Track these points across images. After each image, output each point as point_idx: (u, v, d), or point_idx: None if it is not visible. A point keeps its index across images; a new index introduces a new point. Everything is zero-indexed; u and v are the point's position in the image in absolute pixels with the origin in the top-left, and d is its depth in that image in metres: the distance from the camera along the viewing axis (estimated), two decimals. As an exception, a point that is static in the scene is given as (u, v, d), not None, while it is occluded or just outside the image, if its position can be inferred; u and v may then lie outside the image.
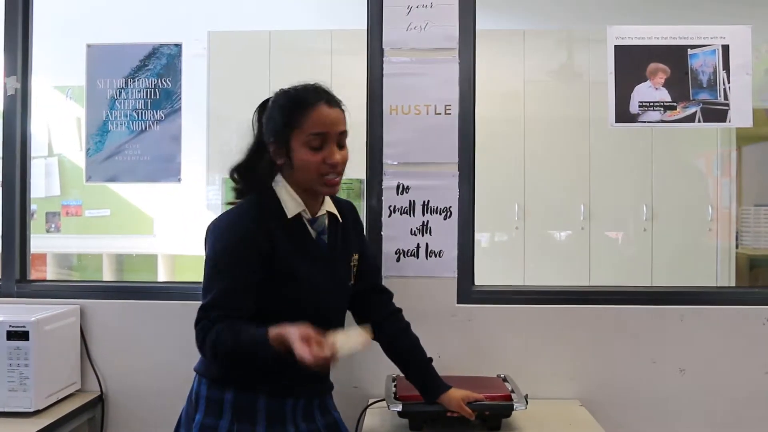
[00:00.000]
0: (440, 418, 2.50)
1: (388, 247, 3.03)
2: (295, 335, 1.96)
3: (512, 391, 2.62)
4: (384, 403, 2.60)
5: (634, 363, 3.04)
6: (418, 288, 3.02)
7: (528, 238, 5.87)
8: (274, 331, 2.03)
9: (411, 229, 3.04)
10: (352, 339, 2.01)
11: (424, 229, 3.03)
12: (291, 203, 2.29)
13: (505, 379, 2.78)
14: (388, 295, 2.61)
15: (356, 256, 2.48)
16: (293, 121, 2.24)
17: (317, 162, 2.24)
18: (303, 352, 1.91)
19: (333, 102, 2.28)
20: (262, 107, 2.37)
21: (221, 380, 2.27)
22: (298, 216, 2.30)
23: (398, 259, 3.03)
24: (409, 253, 3.04)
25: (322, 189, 2.29)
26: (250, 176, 2.34)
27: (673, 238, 5.85)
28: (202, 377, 2.31)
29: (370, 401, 2.82)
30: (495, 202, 5.72)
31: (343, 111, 2.30)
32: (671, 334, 3.04)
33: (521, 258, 5.83)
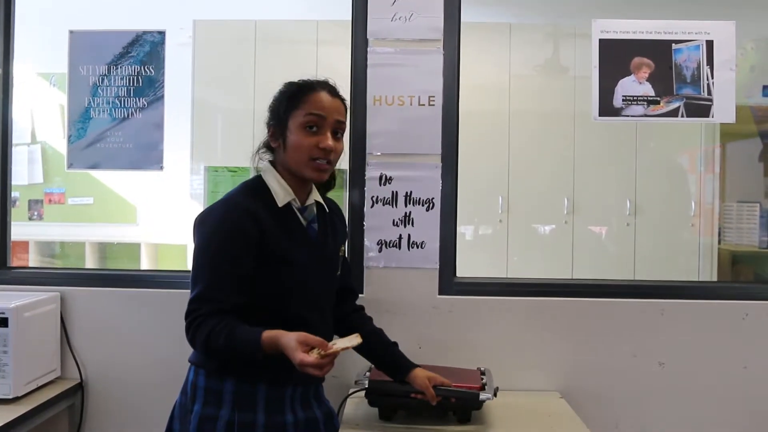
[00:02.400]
0: (408, 406, 2.50)
1: (370, 238, 3.03)
2: (293, 343, 2.01)
3: (484, 384, 2.62)
4: (361, 393, 2.60)
5: (615, 356, 3.04)
6: (400, 279, 3.02)
7: (512, 232, 5.88)
8: (267, 335, 2.06)
9: (393, 220, 3.03)
10: (346, 341, 2.10)
11: (407, 220, 3.03)
12: (281, 192, 2.31)
13: (483, 372, 2.78)
14: (356, 295, 2.67)
15: (343, 248, 2.53)
16: (294, 103, 2.29)
17: (310, 144, 2.27)
18: (303, 359, 1.97)
19: (335, 93, 2.35)
20: None
21: (220, 371, 2.26)
22: (288, 205, 2.32)
23: (380, 250, 3.03)
24: (391, 244, 3.03)
25: (310, 173, 2.30)
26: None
27: (656, 233, 5.87)
28: (200, 368, 2.30)
29: (351, 391, 2.81)
30: (479, 195, 5.72)
31: (344, 104, 2.36)
32: (652, 328, 3.05)
33: (504, 251, 5.84)
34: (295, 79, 2.37)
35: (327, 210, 2.46)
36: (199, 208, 3.24)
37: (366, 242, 3.03)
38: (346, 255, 2.77)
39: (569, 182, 5.86)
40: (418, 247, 3.03)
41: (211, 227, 2.23)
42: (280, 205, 2.29)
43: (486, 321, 3.04)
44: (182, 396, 2.36)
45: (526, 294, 3.08)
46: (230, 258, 2.18)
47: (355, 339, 2.11)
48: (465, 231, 5.77)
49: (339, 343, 2.06)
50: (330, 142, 2.28)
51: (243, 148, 5.25)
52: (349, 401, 2.72)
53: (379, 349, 2.55)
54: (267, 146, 2.39)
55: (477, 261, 5.36)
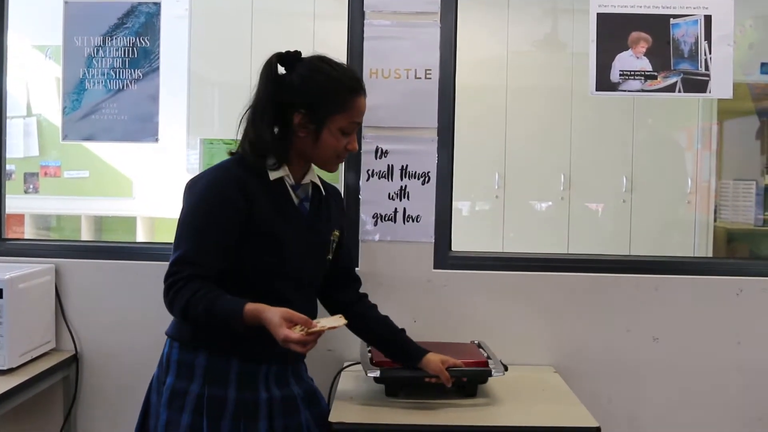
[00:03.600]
0: (416, 384, 2.50)
1: (365, 211, 3.02)
2: (277, 318, 2.00)
3: (488, 358, 2.62)
4: (358, 367, 2.60)
5: (609, 331, 3.05)
6: (395, 253, 3.02)
7: (508, 208, 5.86)
8: (250, 307, 2.05)
9: (389, 194, 3.02)
10: (331, 321, 2.10)
11: (402, 193, 3.02)
12: (281, 171, 2.29)
13: (479, 345, 2.79)
14: (359, 283, 2.63)
15: (337, 233, 2.48)
16: (341, 105, 2.25)
17: (341, 147, 2.28)
18: (287, 334, 1.97)
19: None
20: (289, 65, 2.30)
21: (193, 343, 2.25)
22: (281, 180, 2.29)
23: (375, 224, 3.02)
24: (386, 218, 3.03)
25: (330, 168, 2.36)
26: (259, 134, 2.25)
27: (652, 210, 5.85)
28: (174, 341, 2.29)
29: (345, 364, 2.82)
30: (476, 171, 5.68)
31: None
32: (646, 303, 3.05)
33: (501, 227, 5.83)
34: (333, 62, 2.30)
35: (324, 193, 2.43)
36: (195, 182, 3.23)
37: (361, 216, 3.03)
38: (349, 246, 2.72)
39: (566, 159, 5.84)
40: (413, 220, 3.03)
41: (200, 192, 2.21)
42: (271, 178, 2.27)
43: (481, 295, 3.04)
44: (158, 368, 2.35)
45: (522, 269, 3.08)
46: (216, 224, 2.17)
47: (339, 320, 2.11)
48: (462, 207, 5.75)
49: (323, 322, 2.06)
50: (356, 144, 2.32)
51: (238, 121, 5.23)
52: (344, 374, 2.72)
53: (389, 337, 2.53)
54: (278, 123, 2.29)
55: (473, 236, 5.35)
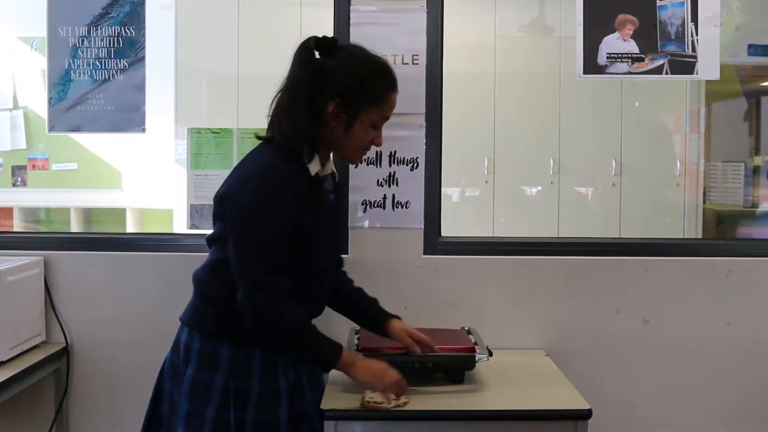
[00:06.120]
0: (401, 369, 2.49)
1: (354, 198, 3.01)
2: (383, 364, 2.25)
3: (476, 343, 2.62)
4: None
5: (599, 313, 3.05)
6: (384, 239, 3.02)
7: (497, 193, 5.87)
8: (349, 358, 2.23)
9: (378, 180, 3.02)
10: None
11: (391, 180, 3.02)
12: (315, 164, 2.26)
13: (469, 332, 2.78)
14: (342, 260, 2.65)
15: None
16: (378, 98, 2.24)
17: (369, 140, 2.28)
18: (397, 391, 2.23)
19: None
20: (327, 51, 2.26)
21: (217, 335, 2.24)
22: (316, 174, 2.28)
23: (365, 210, 3.01)
24: (375, 204, 3.02)
25: (353, 160, 2.41)
26: (300, 122, 2.21)
27: (642, 192, 5.87)
28: (194, 330, 2.27)
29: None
30: (465, 157, 5.69)
31: None
32: (636, 285, 3.06)
33: (491, 213, 5.83)
34: (370, 53, 2.29)
35: (337, 179, 2.44)
36: (184, 173, 3.22)
37: (350, 202, 3.02)
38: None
39: (555, 143, 5.84)
40: (402, 206, 3.02)
41: (264, 191, 2.15)
42: (312, 173, 2.24)
43: (471, 280, 3.04)
44: (173, 354, 2.33)
45: (512, 253, 3.08)
46: (288, 225, 2.16)
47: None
48: (451, 193, 5.74)
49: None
50: (382, 139, 2.32)
51: (227, 110, 5.23)
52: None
53: (361, 305, 2.55)
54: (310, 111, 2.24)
55: (463, 223, 5.36)
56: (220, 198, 2.22)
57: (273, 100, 2.26)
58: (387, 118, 2.32)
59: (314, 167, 2.25)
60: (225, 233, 2.20)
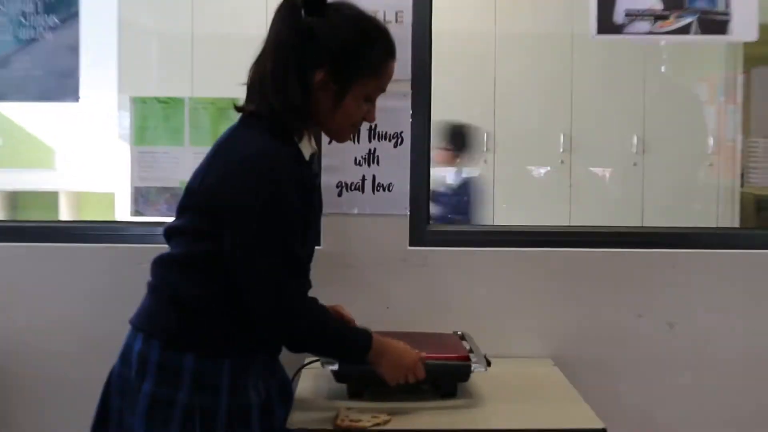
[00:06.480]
0: (383, 382, 2.49)
1: (328, 180, 3.00)
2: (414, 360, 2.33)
3: (471, 351, 2.62)
4: (317, 365, 2.58)
5: (616, 316, 3.06)
6: (364, 228, 3.02)
7: (499, 175, 5.88)
8: (379, 346, 2.27)
9: (355, 158, 3.01)
10: None
11: (371, 158, 3.01)
12: (306, 143, 2.27)
13: (462, 337, 2.78)
14: None
15: None
16: (374, 67, 2.24)
17: (360, 114, 2.29)
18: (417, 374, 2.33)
19: None
20: (315, 10, 2.22)
21: (178, 342, 2.21)
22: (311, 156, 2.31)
23: (340, 194, 3.01)
24: (352, 187, 3.02)
25: (342, 137, 2.39)
26: (290, 92, 2.19)
27: (668, 174, 5.90)
28: (152, 338, 2.24)
29: (306, 361, 2.81)
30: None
31: None
32: (661, 283, 3.06)
33: (491, 197, 5.84)
34: (368, 15, 2.28)
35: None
36: (127, 150, 3.21)
37: (324, 184, 3.01)
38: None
39: (566, 116, 5.86)
40: (384, 189, 3.02)
41: (273, 183, 2.14)
42: (306, 157, 2.26)
43: (466, 276, 3.04)
44: (123, 366, 2.28)
45: (514, 244, 3.08)
46: (301, 219, 2.20)
47: None
48: (444, 174, 5.75)
49: None
50: (374, 114, 2.34)
51: (178, 76, 5.21)
52: (305, 373, 2.72)
53: None
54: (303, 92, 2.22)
55: (457, 208, 5.38)
56: (208, 189, 2.20)
57: (251, 67, 2.25)
58: (383, 90, 2.32)
59: (307, 149, 2.26)
60: (201, 226, 2.20)
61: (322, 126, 2.32)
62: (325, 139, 2.95)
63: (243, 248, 2.15)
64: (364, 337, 2.26)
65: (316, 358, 2.60)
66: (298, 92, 2.18)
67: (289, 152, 2.18)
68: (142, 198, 3.15)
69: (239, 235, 2.15)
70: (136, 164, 3.16)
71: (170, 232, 2.30)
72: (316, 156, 2.41)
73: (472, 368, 2.51)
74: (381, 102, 2.86)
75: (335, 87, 2.21)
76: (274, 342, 2.28)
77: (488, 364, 2.53)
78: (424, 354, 2.39)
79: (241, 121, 2.28)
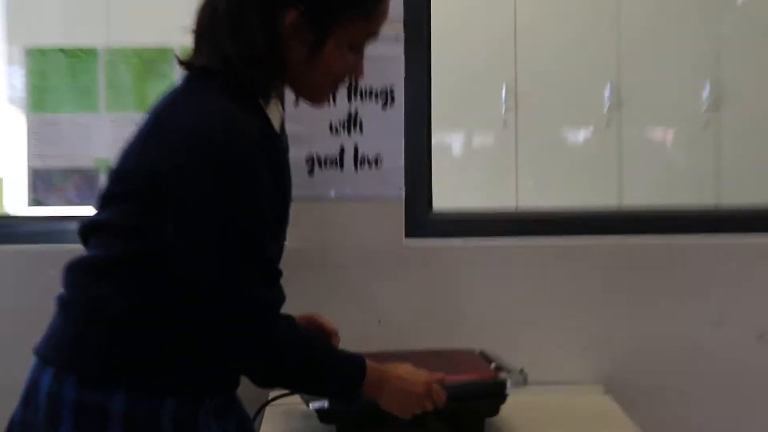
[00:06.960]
0: (382, 421, 2.50)
1: (294, 153, 2.99)
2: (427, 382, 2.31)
3: (499, 368, 2.62)
4: (288, 400, 2.60)
5: (687, 325, 3.09)
6: (344, 216, 3.04)
7: (523, 141, 5.88)
8: (375, 375, 2.26)
9: (330, 124, 3.03)
10: None
11: (351, 123, 3.02)
12: (274, 109, 2.29)
13: (483, 355, 2.79)
14: None
15: None
16: (361, 4, 2.22)
17: (347, 68, 2.28)
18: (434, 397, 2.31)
19: None
20: None
21: (103, 376, 2.20)
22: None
23: (311, 171, 3.03)
24: (328, 162, 3.03)
25: (320, 98, 2.37)
26: (250, 38, 2.19)
27: (751, 137, 5.91)
28: (68, 373, 2.22)
29: (270, 396, 2.83)
30: (470, 85, 5.71)
31: None
32: (744, 282, 3.09)
33: (513, 171, 5.84)
34: None
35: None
36: (21, 119, 3.21)
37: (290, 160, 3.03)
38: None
39: (611, 61, 5.87)
40: (370, 164, 3.03)
41: (235, 164, 2.14)
42: (276, 127, 2.28)
43: (481, 277, 3.07)
44: (26, 409, 2.26)
45: (545, 233, 3.11)
46: (272, 209, 2.21)
47: None
48: (450, 141, 5.76)
49: None
50: (362, 68, 2.33)
51: (88, 19, 5.23)
52: (268, 412, 2.74)
53: None
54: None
55: (470, 187, 5.37)
56: (147, 172, 2.20)
57: (199, 6, 2.24)
58: (374, 35, 2.30)
59: (276, 115, 2.28)
60: (134, 222, 2.19)
61: (293, 84, 2.31)
62: (288, 98, 2.96)
63: (197, 251, 2.14)
64: (353, 368, 2.26)
65: (285, 391, 2.62)
66: (263, 38, 2.18)
67: (255, 121, 2.17)
68: (42, 183, 3.16)
69: (192, 233, 2.14)
70: (33, 138, 3.17)
71: (89, 229, 2.29)
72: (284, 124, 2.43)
73: (507, 388, 2.51)
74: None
75: (312, 34, 2.20)
76: (233, 375, 2.27)
77: (525, 381, 2.54)
78: (440, 374, 2.39)
79: (188, 80, 2.27)
